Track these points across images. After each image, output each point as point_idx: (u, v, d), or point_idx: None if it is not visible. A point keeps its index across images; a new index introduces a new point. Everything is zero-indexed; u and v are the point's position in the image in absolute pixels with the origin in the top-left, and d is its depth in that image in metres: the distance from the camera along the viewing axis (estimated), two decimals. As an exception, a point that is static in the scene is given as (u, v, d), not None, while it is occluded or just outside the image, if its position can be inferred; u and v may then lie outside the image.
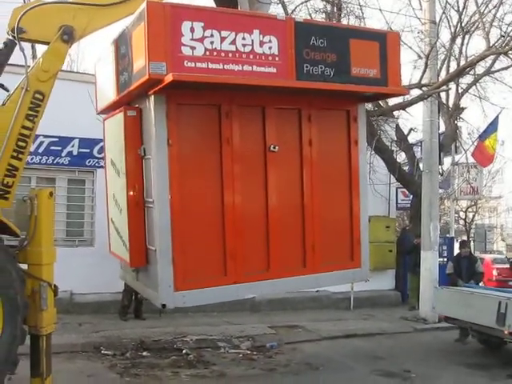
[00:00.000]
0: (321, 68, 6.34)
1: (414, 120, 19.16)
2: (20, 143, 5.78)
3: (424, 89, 11.98)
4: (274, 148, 6.54)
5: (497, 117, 16.10)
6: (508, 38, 12.96)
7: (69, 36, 6.04)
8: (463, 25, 14.33)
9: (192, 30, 5.66)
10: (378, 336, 11.51)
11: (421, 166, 14.53)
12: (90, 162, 11.97)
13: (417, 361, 9.46)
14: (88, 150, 11.88)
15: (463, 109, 16.94)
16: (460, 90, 15.98)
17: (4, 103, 5.91)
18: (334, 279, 7.21)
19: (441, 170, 14.73)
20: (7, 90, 6.06)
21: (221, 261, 6.31)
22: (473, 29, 14.62)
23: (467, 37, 15.04)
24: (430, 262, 13.01)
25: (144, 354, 9.03)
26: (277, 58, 6.11)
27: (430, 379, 8.49)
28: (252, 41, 5.96)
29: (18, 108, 5.74)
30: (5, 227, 5.61)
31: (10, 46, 5.97)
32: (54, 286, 5.68)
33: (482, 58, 13.35)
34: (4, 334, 5.34)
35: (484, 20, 13.66)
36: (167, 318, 11.40)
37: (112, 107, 7.00)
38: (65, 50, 6.13)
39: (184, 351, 9.23)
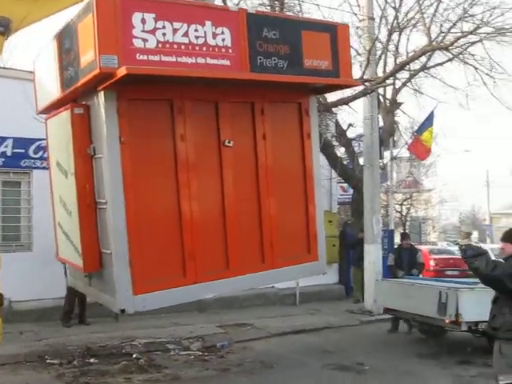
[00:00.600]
0: (274, 60, 6.23)
1: (353, 115, 19.36)
2: None
3: (367, 84, 12.08)
4: (229, 143, 6.40)
5: (432, 111, 16.53)
6: (448, 34, 13.33)
7: (5, 28, 5.67)
8: (399, 21, 14.57)
9: (143, 21, 5.42)
10: (325, 330, 11.52)
11: (360, 160, 14.69)
12: (25, 162, 11.33)
13: (367, 353, 9.50)
14: (23, 151, 11.23)
15: (400, 104, 17.28)
16: (398, 85, 16.25)
17: None
18: (294, 273, 7.17)
19: (381, 165, 14.97)
20: None
21: (179, 261, 6.12)
22: (410, 25, 14.88)
23: (406, 33, 15.34)
24: (373, 255, 13.18)
25: (92, 360, 8.64)
26: (230, 50, 5.95)
27: (383, 371, 8.48)
28: (205, 32, 5.78)
29: None
30: None
31: None
32: (0, 294, 5.29)
33: (424, 52, 13.63)
34: None
35: (425, 16, 13.89)
36: (113, 322, 11.02)
37: (55, 106, 6.64)
38: (0, 43, 5.75)
39: (134, 356, 8.93)
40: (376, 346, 10.20)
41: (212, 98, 6.35)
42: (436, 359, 9.06)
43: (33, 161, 11.31)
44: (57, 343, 9.37)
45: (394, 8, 14.47)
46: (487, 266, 4.33)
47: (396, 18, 14.43)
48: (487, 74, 14.24)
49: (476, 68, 14.38)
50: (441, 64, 14.72)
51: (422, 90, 16.36)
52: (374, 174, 13.24)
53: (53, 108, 6.79)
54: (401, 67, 13.98)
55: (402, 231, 18.03)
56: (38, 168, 11.00)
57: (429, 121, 16.30)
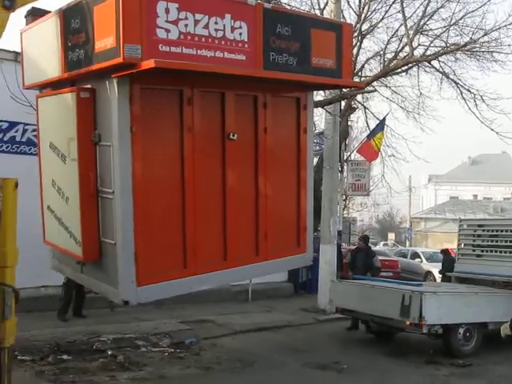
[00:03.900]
0: (285, 57, 6.20)
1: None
2: None
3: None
4: (233, 136, 6.35)
5: (384, 118, 17.22)
6: (430, 47, 13.85)
7: (11, 2, 5.37)
8: (363, 30, 15.01)
9: (167, 11, 5.24)
10: (286, 328, 11.70)
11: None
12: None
13: (339, 352, 9.72)
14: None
15: (355, 109, 17.71)
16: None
17: None
18: (284, 265, 7.28)
19: (340, 168, 15.32)
20: None
21: (181, 252, 6.06)
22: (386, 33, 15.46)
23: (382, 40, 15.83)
24: (329, 255, 13.49)
25: (64, 357, 8.39)
26: (246, 45, 5.87)
27: (362, 370, 8.67)
28: (224, 26, 5.67)
29: None
30: None
31: None
32: (16, 291, 5.02)
33: (406, 63, 14.01)
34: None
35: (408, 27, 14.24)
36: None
37: (51, 85, 6.35)
38: (6, 17, 5.46)
39: (110, 353, 8.70)
40: (343, 345, 10.44)
41: (219, 89, 6.26)
42: (406, 359, 9.35)
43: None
44: (21, 337, 9.04)
45: (357, 14, 14.78)
46: None
47: (359, 24, 14.76)
48: (468, 90, 14.90)
49: (457, 83, 15.00)
50: (398, 73, 15.27)
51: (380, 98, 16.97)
52: (333, 176, 13.56)
53: (45, 86, 6.52)
54: (383, 75, 14.31)
55: (364, 234, 18.64)
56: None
57: (380, 126, 17.03)
